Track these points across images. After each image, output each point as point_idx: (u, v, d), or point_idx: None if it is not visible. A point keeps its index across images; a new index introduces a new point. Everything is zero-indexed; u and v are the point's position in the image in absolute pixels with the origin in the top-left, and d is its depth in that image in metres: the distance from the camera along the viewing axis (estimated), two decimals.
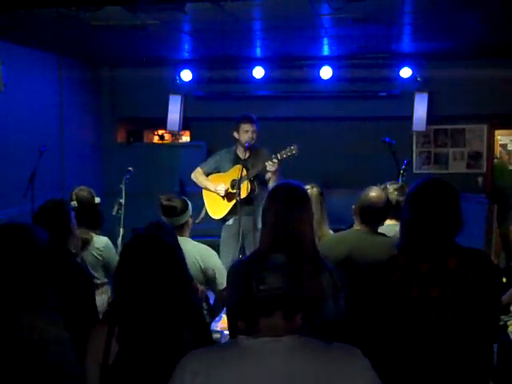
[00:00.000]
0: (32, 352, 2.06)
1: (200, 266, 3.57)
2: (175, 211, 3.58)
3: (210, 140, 7.55)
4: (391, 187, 3.68)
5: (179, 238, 3.53)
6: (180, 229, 3.61)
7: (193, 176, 5.47)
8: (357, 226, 3.45)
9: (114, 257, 4.00)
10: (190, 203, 3.71)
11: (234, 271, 2.51)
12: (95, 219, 3.99)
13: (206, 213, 5.34)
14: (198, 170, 5.47)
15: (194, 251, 3.58)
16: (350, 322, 2.40)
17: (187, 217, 3.66)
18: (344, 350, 1.78)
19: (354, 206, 3.48)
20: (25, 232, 2.22)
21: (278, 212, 2.42)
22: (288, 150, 4.86)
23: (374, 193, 3.43)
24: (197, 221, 5.05)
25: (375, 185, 3.77)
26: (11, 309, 2.12)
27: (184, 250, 3.46)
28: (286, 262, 1.85)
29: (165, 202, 3.61)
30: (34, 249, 2.21)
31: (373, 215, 3.41)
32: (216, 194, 5.28)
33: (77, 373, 2.11)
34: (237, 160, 5.24)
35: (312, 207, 2.51)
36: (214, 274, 3.62)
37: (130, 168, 5.44)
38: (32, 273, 2.18)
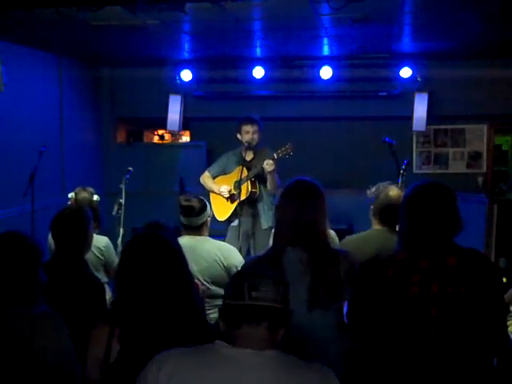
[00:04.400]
0: (19, 344, 2.10)
1: (223, 265, 3.60)
2: (194, 211, 3.64)
3: (210, 140, 7.55)
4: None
5: (198, 238, 3.63)
6: (199, 228, 3.69)
7: (201, 179, 5.53)
8: (376, 226, 3.42)
9: (115, 256, 4.01)
10: (208, 204, 3.77)
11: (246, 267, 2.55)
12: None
13: (213, 215, 5.37)
14: (206, 173, 5.51)
15: (216, 250, 3.63)
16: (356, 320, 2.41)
17: (206, 217, 3.72)
18: (320, 372, 1.75)
19: (372, 206, 3.46)
20: (20, 241, 2.31)
21: (294, 208, 2.47)
22: (284, 149, 4.90)
23: (393, 192, 3.40)
24: None
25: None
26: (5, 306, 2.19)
27: (205, 250, 3.58)
28: (281, 275, 1.85)
29: (184, 203, 3.67)
30: (28, 255, 2.28)
31: (394, 214, 3.39)
32: (221, 196, 5.30)
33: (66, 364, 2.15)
34: (242, 161, 5.26)
35: (325, 202, 2.53)
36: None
37: (130, 168, 5.45)
38: (25, 275, 2.25)
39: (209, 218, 3.78)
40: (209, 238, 3.76)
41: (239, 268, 3.62)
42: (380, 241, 3.31)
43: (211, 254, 3.59)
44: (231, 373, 1.67)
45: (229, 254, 3.68)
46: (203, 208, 3.69)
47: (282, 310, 1.73)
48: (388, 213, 3.37)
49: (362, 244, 3.30)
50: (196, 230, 3.66)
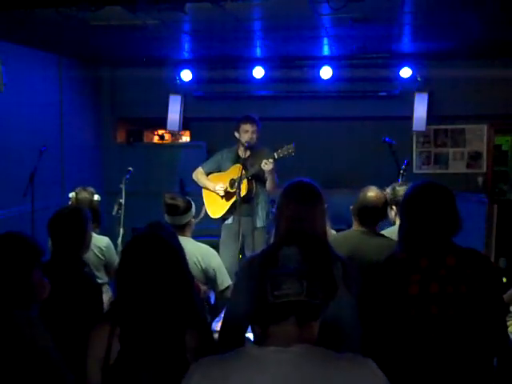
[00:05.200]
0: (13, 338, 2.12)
1: (201, 266, 3.59)
2: (178, 210, 3.63)
3: (210, 140, 7.55)
4: (401, 189, 3.64)
5: (180, 238, 3.59)
6: (182, 228, 3.66)
7: (194, 175, 5.49)
8: (356, 227, 3.44)
9: (115, 256, 4.01)
10: (193, 204, 3.75)
11: (246, 266, 2.54)
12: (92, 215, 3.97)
13: (206, 212, 5.35)
14: (199, 169, 5.49)
15: (195, 251, 3.61)
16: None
17: (190, 217, 3.70)
18: (355, 361, 1.71)
19: (351, 207, 3.47)
20: (21, 241, 2.32)
21: (293, 209, 2.47)
22: (285, 148, 4.88)
23: (372, 193, 3.41)
24: (196, 220, 5.06)
25: (376, 185, 3.77)
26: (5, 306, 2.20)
27: (185, 250, 3.53)
28: (305, 267, 1.82)
29: (169, 201, 3.66)
30: (29, 256, 2.29)
31: (372, 216, 3.40)
32: (215, 194, 5.29)
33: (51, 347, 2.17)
34: (237, 159, 5.24)
35: (325, 203, 2.54)
36: (215, 273, 3.64)
37: (130, 168, 5.44)
38: (21, 275, 2.26)
39: (193, 219, 3.76)
40: (191, 238, 3.74)
41: (216, 270, 3.64)
42: (355, 242, 3.31)
43: (191, 255, 3.54)
44: (256, 373, 1.65)
45: (207, 255, 3.67)
46: (188, 207, 3.68)
47: (307, 302, 1.70)
48: (365, 214, 3.38)
49: (338, 244, 3.29)
50: (179, 230, 3.61)
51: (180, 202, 3.65)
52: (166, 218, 3.66)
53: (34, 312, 2.28)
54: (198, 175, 5.47)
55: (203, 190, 5.41)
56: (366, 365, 1.71)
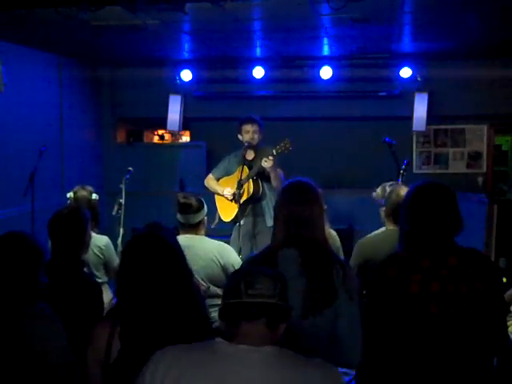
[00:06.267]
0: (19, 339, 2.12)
1: (220, 264, 3.61)
2: (191, 209, 3.65)
3: (210, 140, 7.56)
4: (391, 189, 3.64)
5: (195, 236, 3.64)
6: (196, 227, 3.69)
7: (205, 182, 5.53)
8: (390, 226, 3.45)
9: (115, 256, 4.01)
10: (205, 203, 3.78)
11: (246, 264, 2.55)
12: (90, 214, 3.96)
13: (220, 217, 5.37)
14: (210, 176, 5.51)
15: (213, 249, 3.64)
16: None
17: (203, 215, 3.73)
18: (321, 367, 1.74)
19: (383, 208, 3.47)
20: (23, 241, 2.31)
21: (290, 210, 2.47)
22: (282, 144, 4.91)
23: (403, 192, 3.41)
24: (212, 225, 5.07)
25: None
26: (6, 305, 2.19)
27: (202, 249, 3.59)
28: (280, 272, 1.84)
29: (182, 200, 3.69)
30: (30, 256, 2.29)
31: None
32: (225, 197, 5.30)
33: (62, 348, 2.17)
34: (243, 161, 5.25)
35: (322, 203, 2.53)
36: (234, 270, 3.64)
37: (130, 168, 5.44)
38: (28, 275, 2.26)
39: (205, 218, 3.78)
40: (206, 237, 3.76)
41: (236, 267, 3.64)
42: (395, 240, 3.32)
43: (208, 253, 3.59)
44: (230, 369, 1.67)
45: (225, 253, 3.68)
46: (201, 206, 3.70)
47: (280, 305, 1.73)
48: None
49: (380, 243, 3.34)
50: (192, 228, 3.67)
51: (193, 200, 3.68)
52: (179, 216, 3.68)
53: (47, 309, 2.27)
54: (209, 181, 5.49)
55: (215, 196, 5.42)
56: (330, 371, 1.75)
